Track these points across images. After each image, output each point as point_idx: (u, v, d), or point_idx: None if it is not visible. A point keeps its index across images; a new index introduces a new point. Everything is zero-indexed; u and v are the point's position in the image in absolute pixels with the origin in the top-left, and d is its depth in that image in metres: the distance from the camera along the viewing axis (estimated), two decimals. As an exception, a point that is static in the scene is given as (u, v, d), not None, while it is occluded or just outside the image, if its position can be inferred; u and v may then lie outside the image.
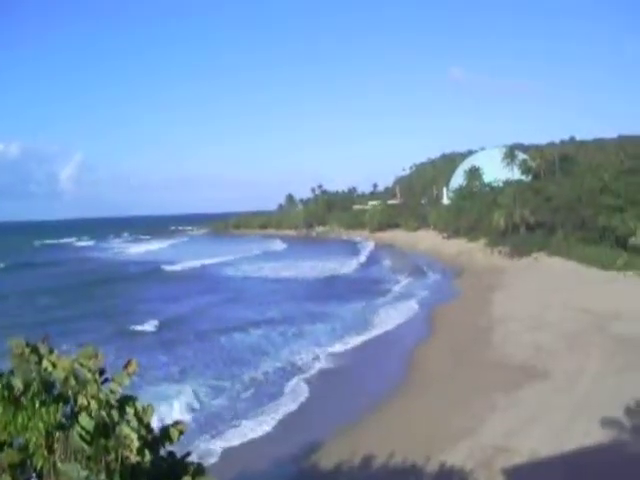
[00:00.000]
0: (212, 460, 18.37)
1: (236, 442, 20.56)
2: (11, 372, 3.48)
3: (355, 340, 34.32)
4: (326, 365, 29.66)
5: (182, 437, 3.76)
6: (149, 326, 39.29)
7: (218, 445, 20.24)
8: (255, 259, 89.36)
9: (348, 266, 75.90)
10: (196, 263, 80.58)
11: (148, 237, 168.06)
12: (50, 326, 38.22)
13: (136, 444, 3.24)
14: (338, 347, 32.96)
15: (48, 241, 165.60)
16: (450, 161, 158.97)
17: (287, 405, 24.10)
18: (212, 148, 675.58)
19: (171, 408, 22.71)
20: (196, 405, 24.28)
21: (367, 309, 44.00)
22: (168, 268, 76.28)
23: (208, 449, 19.66)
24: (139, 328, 38.84)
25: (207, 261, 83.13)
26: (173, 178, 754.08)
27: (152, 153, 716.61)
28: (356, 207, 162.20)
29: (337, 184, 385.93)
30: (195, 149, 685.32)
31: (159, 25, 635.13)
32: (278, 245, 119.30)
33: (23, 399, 3.32)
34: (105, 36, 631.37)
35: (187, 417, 21.91)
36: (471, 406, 21.87)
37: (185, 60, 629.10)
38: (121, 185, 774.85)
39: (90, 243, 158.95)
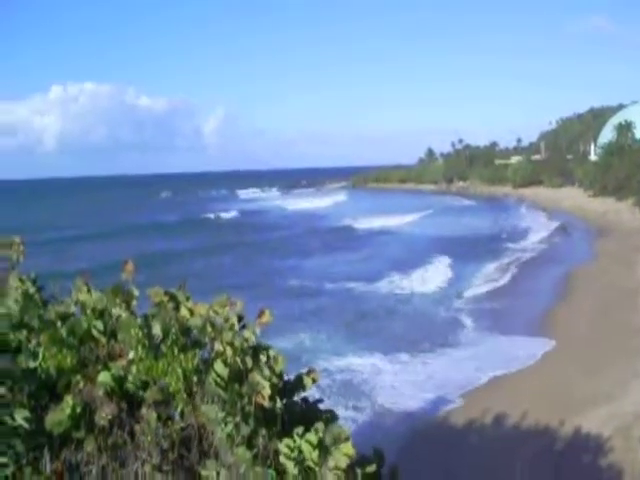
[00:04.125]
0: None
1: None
2: (150, 319, 3.70)
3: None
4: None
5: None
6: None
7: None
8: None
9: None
10: (395, 220, 78.78)
11: (311, 189, 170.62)
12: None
13: (268, 391, 3.34)
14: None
15: (214, 192, 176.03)
16: (599, 116, 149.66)
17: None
18: (348, 103, 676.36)
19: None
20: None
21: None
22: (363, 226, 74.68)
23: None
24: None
25: (404, 218, 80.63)
26: (309, 132, 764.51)
27: (289, 106, 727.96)
28: (498, 162, 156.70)
29: (478, 138, 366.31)
30: (332, 104, 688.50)
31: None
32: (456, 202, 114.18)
33: (162, 346, 3.52)
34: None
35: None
36: (612, 371, 20.92)
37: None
38: (260, 138, 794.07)
39: (264, 194, 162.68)
